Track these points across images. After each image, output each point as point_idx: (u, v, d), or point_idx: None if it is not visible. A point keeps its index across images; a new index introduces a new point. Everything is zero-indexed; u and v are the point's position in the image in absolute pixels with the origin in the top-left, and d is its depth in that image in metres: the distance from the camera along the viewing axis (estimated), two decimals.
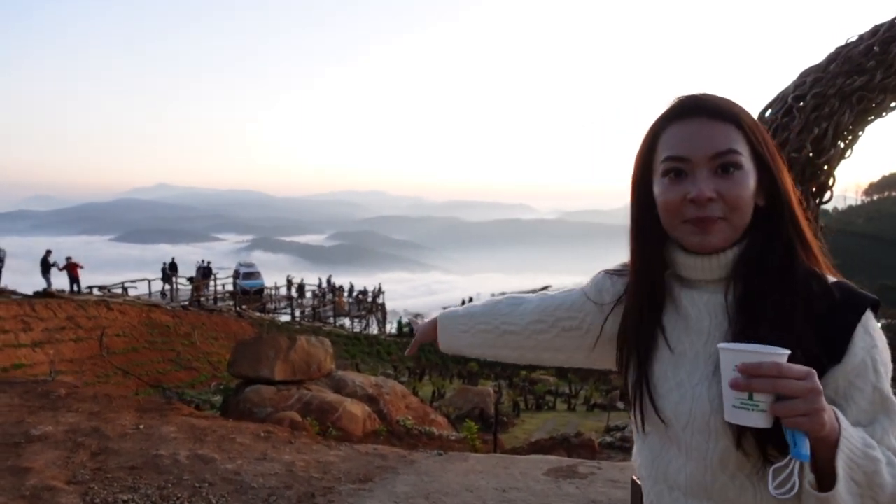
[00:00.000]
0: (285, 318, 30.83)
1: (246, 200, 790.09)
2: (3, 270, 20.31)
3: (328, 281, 37.79)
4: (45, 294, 19.80)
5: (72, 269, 22.59)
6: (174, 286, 28.10)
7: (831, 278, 1.03)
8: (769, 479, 0.92)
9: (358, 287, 39.63)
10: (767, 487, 0.95)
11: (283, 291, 34.81)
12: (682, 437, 1.04)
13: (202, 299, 27.38)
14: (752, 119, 1.04)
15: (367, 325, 36.34)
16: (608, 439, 17.05)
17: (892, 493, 0.90)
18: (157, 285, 27.98)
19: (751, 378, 0.87)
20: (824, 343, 0.96)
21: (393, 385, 12.98)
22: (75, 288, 22.45)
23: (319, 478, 4.21)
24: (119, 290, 25.53)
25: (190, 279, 28.72)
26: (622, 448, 16.73)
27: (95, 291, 24.07)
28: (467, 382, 26.56)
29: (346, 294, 38.16)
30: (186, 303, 25.86)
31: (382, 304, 39.49)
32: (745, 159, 1.01)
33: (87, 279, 25.53)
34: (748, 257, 1.03)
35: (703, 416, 1.02)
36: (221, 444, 4.69)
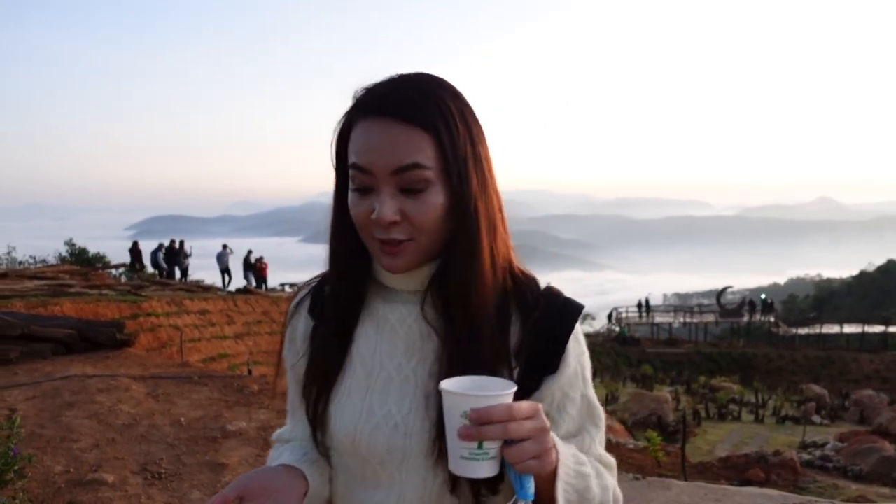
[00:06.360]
0: None
1: None
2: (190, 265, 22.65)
3: None
4: (245, 290, 21.83)
5: (261, 268, 24.70)
6: None
7: (541, 283, 0.96)
8: None
9: None
10: None
11: None
12: (397, 477, 0.91)
13: None
14: (453, 118, 0.88)
15: None
16: (806, 457, 15.30)
17: (601, 502, 0.90)
18: None
19: (482, 426, 0.76)
20: (541, 355, 0.91)
21: None
22: (262, 286, 24.48)
23: None
24: None
25: None
26: (824, 468, 14.93)
27: (287, 288, 26.25)
28: (641, 386, 25.33)
29: None
30: None
31: None
32: (433, 174, 0.87)
33: (279, 277, 27.88)
34: (446, 273, 0.91)
35: (420, 452, 0.90)
36: None
